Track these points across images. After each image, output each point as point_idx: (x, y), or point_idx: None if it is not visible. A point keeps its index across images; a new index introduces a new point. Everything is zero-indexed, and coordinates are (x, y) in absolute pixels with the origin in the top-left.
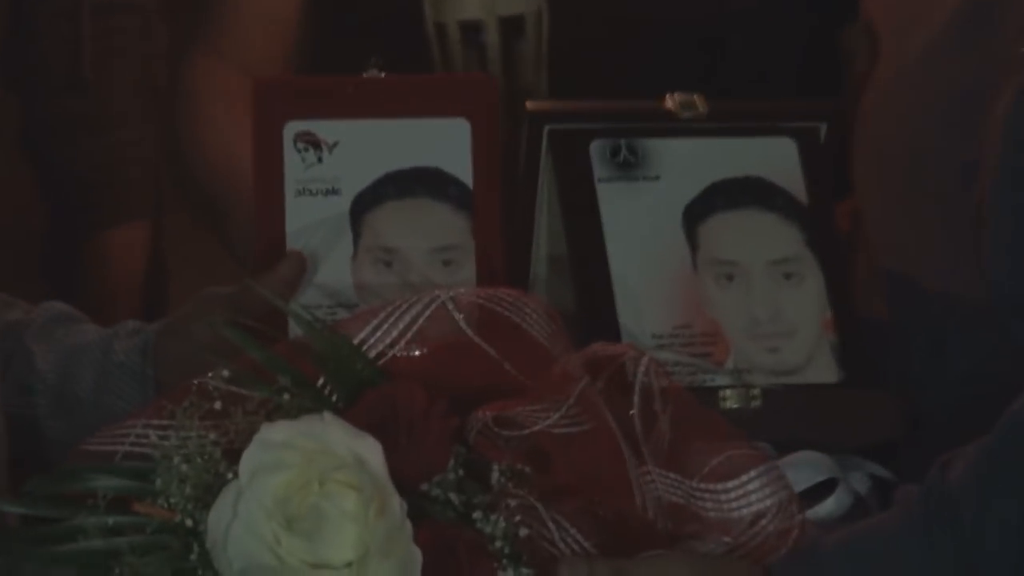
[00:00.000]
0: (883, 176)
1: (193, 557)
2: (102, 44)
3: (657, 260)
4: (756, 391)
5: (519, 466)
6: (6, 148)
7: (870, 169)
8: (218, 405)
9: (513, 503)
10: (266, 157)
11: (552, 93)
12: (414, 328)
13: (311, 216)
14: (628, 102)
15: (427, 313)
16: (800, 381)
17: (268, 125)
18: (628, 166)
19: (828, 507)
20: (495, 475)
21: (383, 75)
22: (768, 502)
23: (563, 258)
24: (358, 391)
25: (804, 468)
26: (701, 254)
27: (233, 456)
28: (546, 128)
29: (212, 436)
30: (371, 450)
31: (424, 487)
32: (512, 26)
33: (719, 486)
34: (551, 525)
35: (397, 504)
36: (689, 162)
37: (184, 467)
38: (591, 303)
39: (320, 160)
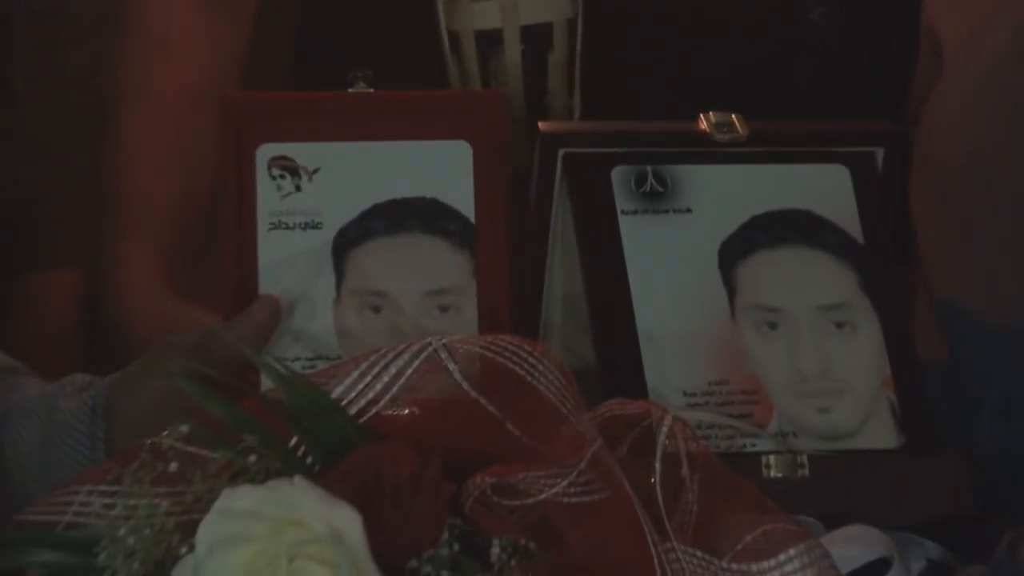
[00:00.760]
0: (949, 204)
1: None
2: (37, 56)
3: (689, 305)
4: (803, 458)
5: (523, 541)
6: None
7: (933, 197)
8: (173, 467)
9: None
10: (235, 185)
11: (586, 115)
12: (402, 380)
13: (287, 253)
14: (656, 123)
15: (417, 363)
16: (854, 447)
17: (238, 148)
18: (655, 196)
19: None
20: (495, 551)
21: (372, 91)
22: None
23: (580, 301)
24: (337, 453)
25: (854, 546)
26: (739, 299)
27: (189, 527)
28: (561, 152)
29: (165, 504)
30: (349, 521)
31: (412, 565)
32: (537, 37)
33: (754, 566)
34: None
35: None
36: (726, 192)
37: (131, 540)
38: (612, 355)
39: (298, 189)
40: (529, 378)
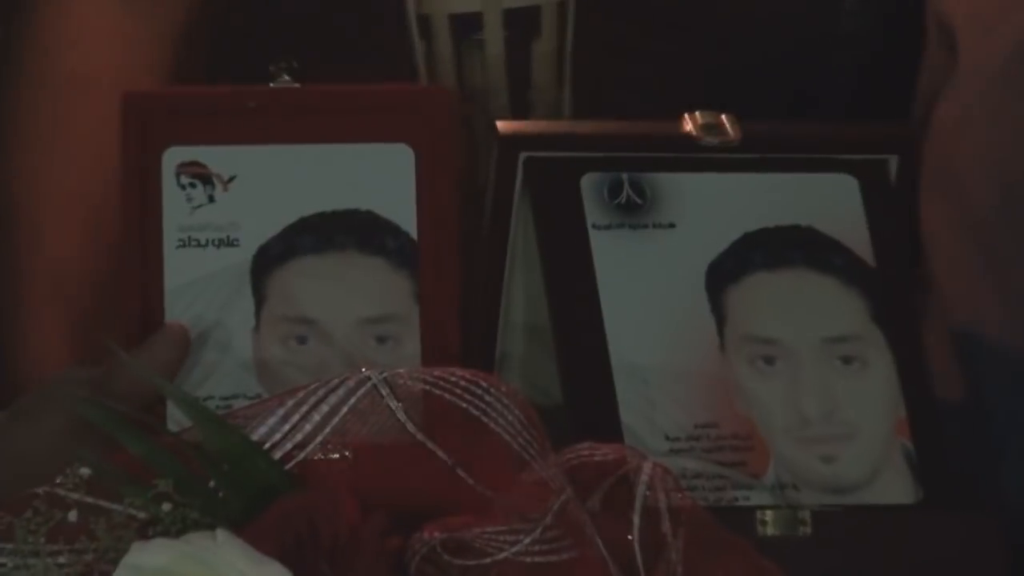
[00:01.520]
0: (966, 217)
1: None
2: None
3: (671, 335)
4: (805, 514)
5: None
6: None
7: (948, 210)
8: (73, 517)
9: None
10: (138, 195)
11: (578, 113)
12: (336, 420)
13: (199, 274)
14: (633, 123)
15: (354, 400)
16: (863, 501)
17: (140, 153)
18: (632, 209)
19: None
20: None
21: (297, 85)
22: None
23: (544, 330)
24: (261, 503)
25: None
26: (730, 329)
27: None
28: (522, 156)
29: (63, 559)
30: None
31: None
32: (522, 22)
33: None
34: None
35: None
36: (715, 205)
37: None
38: (582, 391)
39: (211, 200)
40: (484, 418)
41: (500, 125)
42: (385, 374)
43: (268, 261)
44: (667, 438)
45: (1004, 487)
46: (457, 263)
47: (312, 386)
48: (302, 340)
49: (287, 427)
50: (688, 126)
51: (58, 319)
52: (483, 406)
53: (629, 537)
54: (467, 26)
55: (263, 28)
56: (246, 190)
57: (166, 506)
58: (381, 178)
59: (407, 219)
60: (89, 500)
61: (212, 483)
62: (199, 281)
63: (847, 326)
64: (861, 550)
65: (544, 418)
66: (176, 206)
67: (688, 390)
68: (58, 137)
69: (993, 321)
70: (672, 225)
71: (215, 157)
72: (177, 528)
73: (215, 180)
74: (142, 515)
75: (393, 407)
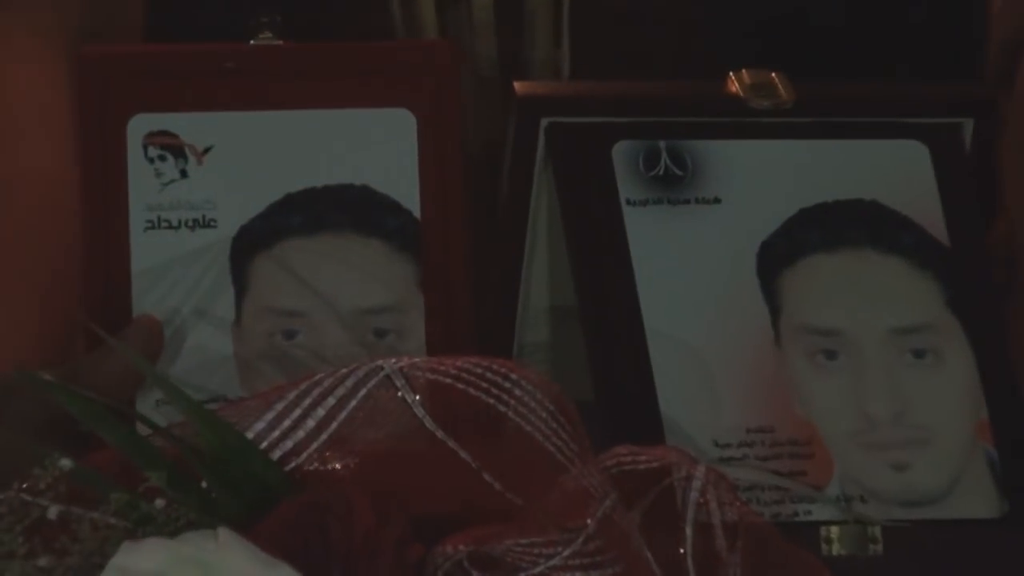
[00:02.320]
0: None
1: None
2: None
3: (719, 326)
4: (876, 530)
5: None
6: None
7: None
8: (53, 513)
9: None
10: (99, 170)
11: (577, 74)
12: (343, 416)
13: (170, 259)
14: (672, 84)
15: (363, 393)
16: (941, 516)
17: (102, 121)
18: (672, 182)
19: None
20: None
21: (281, 42)
22: None
23: (570, 316)
24: (258, 507)
25: None
26: (786, 318)
27: None
28: (544, 122)
29: (44, 560)
30: None
31: None
32: None
33: None
34: None
35: None
36: (766, 177)
37: None
38: (617, 390)
39: (184, 175)
40: (514, 415)
41: (518, 86)
42: (401, 363)
43: (250, 244)
44: (716, 444)
45: None
46: (466, 244)
47: (317, 377)
48: (290, 335)
49: (287, 423)
50: (735, 87)
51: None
52: (513, 401)
53: (681, 551)
54: None
55: None
56: (224, 163)
57: (159, 502)
58: (379, 148)
59: (409, 195)
60: (63, 508)
61: (204, 483)
62: (171, 267)
63: (919, 314)
64: (939, 569)
65: None
66: (144, 182)
67: (739, 389)
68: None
69: None
70: (717, 200)
71: (188, 125)
72: (171, 528)
73: (188, 152)
74: (122, 524)
75: (410, 401)
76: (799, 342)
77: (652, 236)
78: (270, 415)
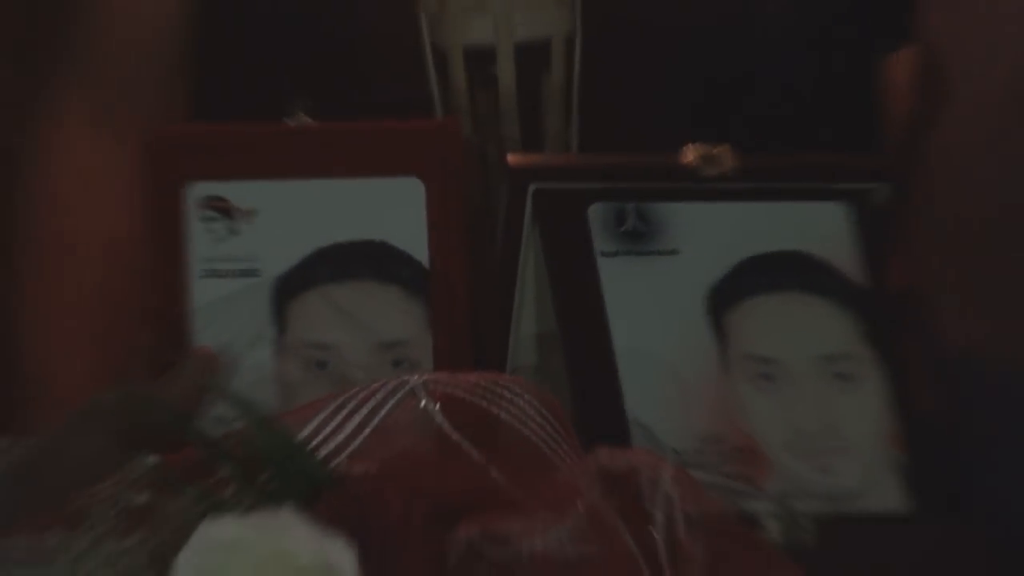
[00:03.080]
0: (959, 247)
1: None
2: None
3: (676, 355)
4: (808, 524)
5: None
6: None
7: (939, 239)
8: (143, 499)
9: None
10: (162, 230)
11: (584, 146)
12: (375, 422)
13: (222, 303)
14: (636, 156)
15: (392, 403)
16: (860, 510)
17: (164, 188)
18: (637, 237)
19: None
20: None
21: (314, 123)
22: None
23: (553, 348)
24: (307, 500)
25: None
26: (731, 348)
27: (162, 563)
28: (532, 187)
29: (134, 538)
30: (342, 555)
31: None
32: (534, 55)
33: None
34: None
35: None
36: (715, 232)
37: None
38: (592, 409)
39: (233, 232)
40: (515, 423)
41: (510, 158)
42: (423, 379)
43: (288, 290)
44: (674, 452)
45: (994, 499)
46: (467, 291)
47: (355, 390)
48: (322, 365)
49: (329, 429)
50: (688, 157)
51: (80, 343)
52: (515, 410)
53: (654, 534)
54: (481, 59)
55: (281, 62)
56: (266, 223)
57: (229, 491)
58: (394, 210)
59: (419, 249)
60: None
61: (263, 478)
62: (223, 309)
63: (840, 345)
64: (859, 556)
65: None
66: (200, 239)
67: (693, 406)
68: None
69: (981, 339)
70: (675, 252)
71: (236, 192)
72: (239, 513)
73: (236, 214)
74: (199, 510)
75: (430, 410)
76: (742, 368)
77: (621, 281)
78: (315, 422)
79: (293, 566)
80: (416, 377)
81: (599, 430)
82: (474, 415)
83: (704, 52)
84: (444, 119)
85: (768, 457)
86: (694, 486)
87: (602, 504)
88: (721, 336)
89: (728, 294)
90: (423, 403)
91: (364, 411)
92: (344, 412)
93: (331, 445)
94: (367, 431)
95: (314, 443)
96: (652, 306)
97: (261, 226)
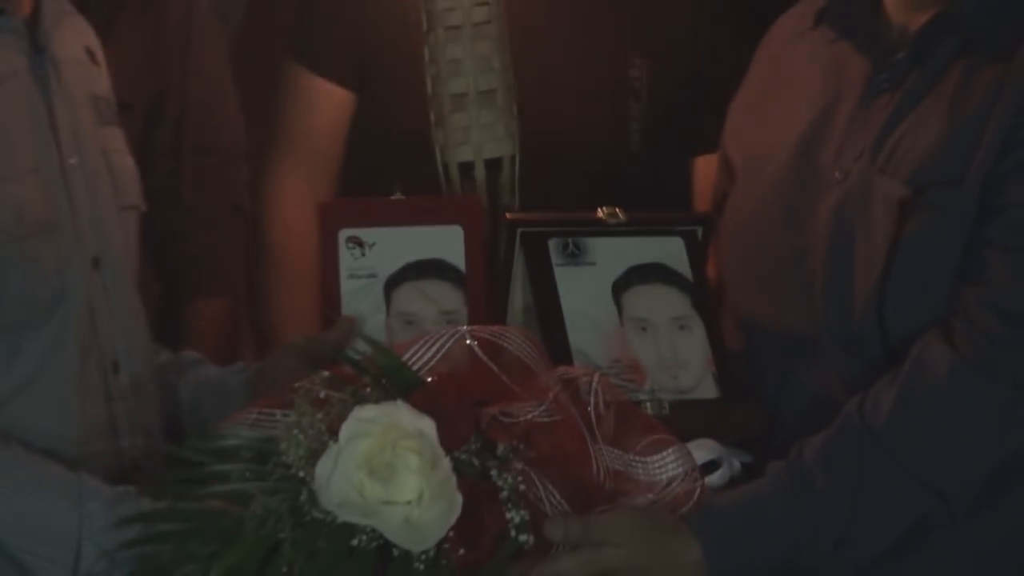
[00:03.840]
0: (741, 260)
1: (303, 497)
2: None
3: (598, 318)
4: (666, 404)
5: (515, 443)
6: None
7: (731, 255)
8: (322, 395)
9: (519, 466)
10: (328, 254)
11: (521, 208)
12: (443, 351)
13: (358, 293)
14: (573, 213)
15: (451, 342)
16: (693, 397)
17: (329, 231)
18: (574, 256)
19: (716, 477)
20: (500, 448)
21: (404, 197)
22: (679, 470)
23: (531, 316)
24: (406, 391)
25: (702, 450)
26: (625, 314)
27: (333, 430)
28: (519, 231)
29: (319, 415)
30: (428, 426)
31: (455, 454)
32: (493, 165)
33: (647, 459)
34: (539, 485)
35: (447, 464)
36: (615, 253)
37: (300, 436)
38: (553, 347)
39: (363, 255)
40: (516, 352)
41: (508, 215)
42: (468, 328)
43: (391, 285)
44: (597, 367)
45: (763, 393)
46: (485, 287)
47: (432, 336)
48: (410, 324)
49: (419, 354)
50: (600, 214)
51: (290, 308)
52: (515, 345)
53: (589, 409)
54: (465, 166)
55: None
56: (380, 250)
57: (368, 391)
58: (447, 242)
59: (460, 262)
60: (326, 393)
61: (384, 382)
62: (357, 296)
63: (681, 311)
64: (694, 421)
65: None
66: (346, 259)
67: (606, 345)
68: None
69: (752, 309)
70: (594, 263)
71: (365, 233)
72: (374, 401)
73: (365, 245)
74: (352, 401)
75: (473, 345)
76: (631, 325)
77: (568, 280)
78: (410, 352)
79: (402, 432)
80: (464, 328)
81: (555, 357)
82: (494, 349)
83: (591, 161)
84: (470, 195)
85: (645, 371)
86: (609, 385)
87: (562, 395)
88: (619, 308)
89: (622, 285)
90: (468, 341)
91: (436, 346)
92: (426, 346)
93: (418, 364)
94: (438, 356)
95: (410, 363)
96: (583, 292)
97: (378, 251)
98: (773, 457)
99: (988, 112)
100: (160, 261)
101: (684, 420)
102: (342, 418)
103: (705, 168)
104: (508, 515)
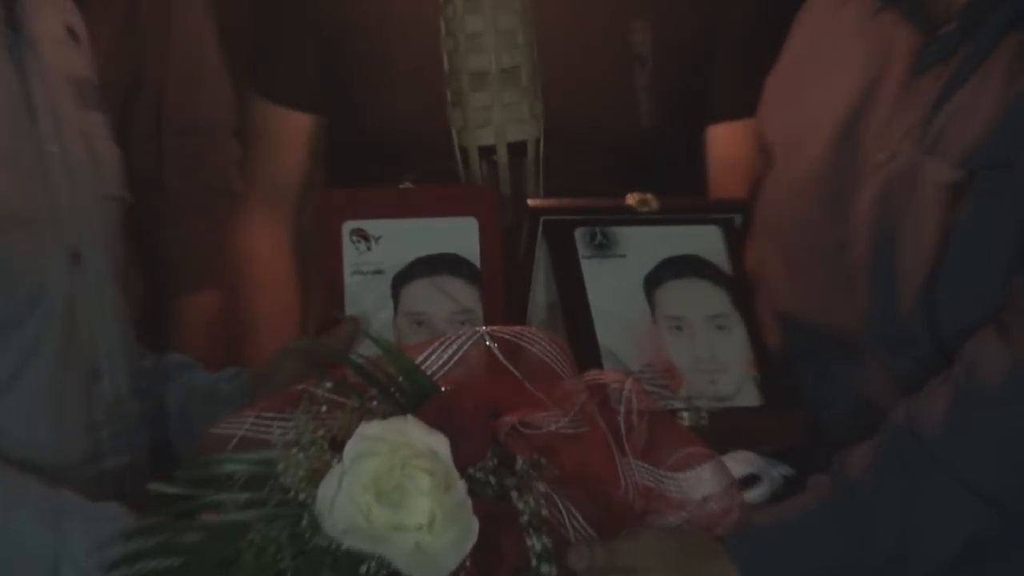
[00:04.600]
0: (777, 250)
1: (304, 523)
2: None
3: (626, 315)
4: (704, 413)
5: (537, 457)
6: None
7: (768, 246)
8: (324, 409)
9: (540, 487)
10: (331, 248)
11: (544, 197)
12: (460, 354)
13: (363, 290)
14: (602, 200)
15: (469, 344)
16: (733, 405)
17: (332, 224)
18: (603, 247)
19: (756, 494)
20: (519, 464)
21: (414, 186)
22: (716, 487)
23: (555, 314)
24: (419, 399)
25: (739, 464)
26: (658, 312)
27: (337, 447)
28: (542, 219)
29: (321, 432)
30: (441, 444)
31: (470, 471)
32: (517, 149)
33: (680, 474)
34: (561, 509)
35: (462, 486)
36: (646, 244)
37: (300, 456)
38: (581, 348)
39: (369, 249)
40: (540, 354)
41: (530, 202)
42: (489, 329)
43: (400, 282)
44: (627, 373)
45: (803, 395)
46: (503, 283)
47: (448, 336)
48: (420, 324)
49: (433, 357)
50: (631, 201)
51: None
52: (538, 347)
53: (618, 418)
54: (487, 151)
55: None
56: (388, 243)
57: (375, 403)
58: (461, 235)
59: (475, 258)
60: (330, 396)
61: (393, 390)
62: (363, 293)
63: (720, 308)
64: (734, 430)
65: None
66: (350, 253)
67: (638, 346)
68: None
69: (792, 304)
70: (624, 255)
71: (371, 225)
72: (380, 415)
73: (371, 238)
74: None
75: (492, 347)
76: (664, 323)
77: (595, 273)
78: (424, 354)
79: (412, 451)
80: (484, 328)
81: (583, 359)
82: (515, 351)
83: (605, 139)
84: (485, 184)
85: (680, 375)
86: (642, 392)
87: (588, 403)
88: (652, 304)
89: (655, 280)
90: (489, 343)
91: (452, 348)
92: (441, 349)
93: (433, 368)
94: (455, 359)
95: (423, 366)
96: (613, 288)
97: (385, 245)
98: (815, 468)
99: None
100: (145, 255)
101: (722, 430)
102: (347, 432)
103: (720, 137)
104: (529, 542)
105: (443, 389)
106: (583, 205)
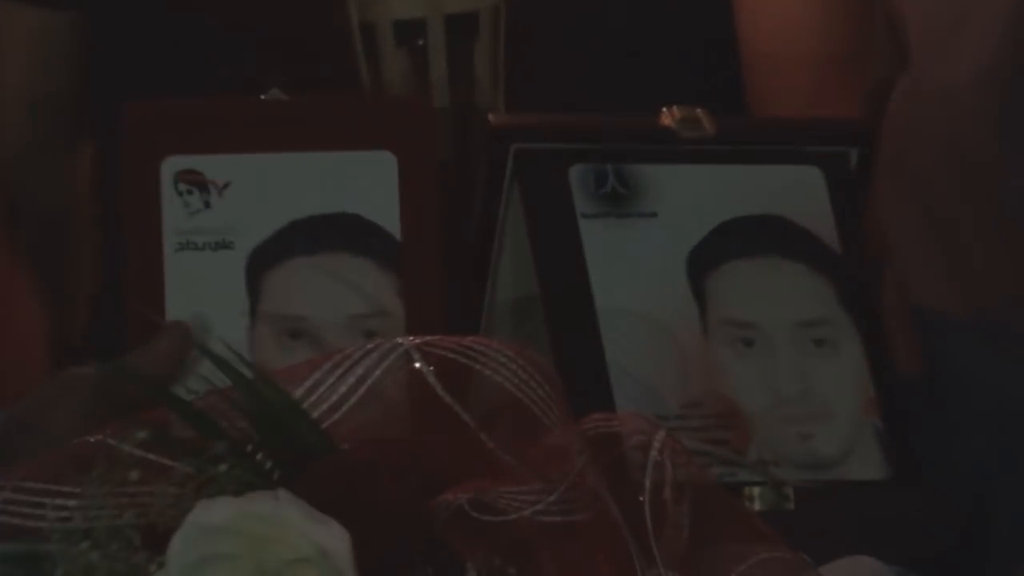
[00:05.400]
0: (920, 208)
1: None
2: None
3: (657, 319)
4: (789, 491)
5: (499, 563)
6: None
7: (907, 198)
8: (135, 476)
9: None
10: (138, 202)
11: (509, 109)
12: (368, 383)
13: (196, 276)
14: (617, 117)
15: (385, 365)
16: (839, 477)
17: (140, 161)
18: (617, 199)
19: None
20: (470, 574)
21: (287, 97)
22: None
23: (532, 309)
24: (298, 461)
25: None
26: (711, 313)
27: (155, 540)
28: (513, 148)
29: (128, 515)
30: (337, 539)
31: None
32: (463, 26)
33: None
34: None
35: None
36: (693, 195)
37: (94, 555)
38: (575, 373)
39: (207, 205)
40: (510, 386)
41: (492, 118)
42: (417, 340)
43: (262, 263)
44: (658, 416)
45: (961, 456)
46: (439, 263)
47: (348, 351)
48: (295, 336)
49: (321, 390)
50: (667, 120)
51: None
52: (505, 373)
53: (641, 499)
54: (409, 32)
55: (212, 38)
56: (240, 196)
57: (223, 467)
58: (366, 183)
59: (392, 222)
60: (143, 455)
61: (250, 446)
62: (196, 282)
63: (818, 310)
64: (838, 523)
65: None
66: (175, 212)
67: (674, 373)
68: None
69: (947, 297)
70: (654, 214)
71: (211, 165)
72: (232, 488)
73: (211, 187)
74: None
75: (426, 372)
76: (722, 333)
77: (602, 244)
78: (308, 383)
79: (288, 551)
80: (411, 338)
81: (581, 393)
82: (466, 378)
83: (624, 17)
84: (418, 96)
85: (748, 423)
86: (682, 452)
87: (590, 470)
88: (701, 300)
89: (707, 258)
90: (418, 365)
91: (358, 372)
92: (338, 372)
93: (324, 407)
94: (360, 392)
95: (307, 404)
96: (634, 269)
97: (235, 199)
98: None
99: None
100: None
101: (822, 519)
102: (173, 516)
103: None
104: None
105: (341, 445)
106: (585, 125)
